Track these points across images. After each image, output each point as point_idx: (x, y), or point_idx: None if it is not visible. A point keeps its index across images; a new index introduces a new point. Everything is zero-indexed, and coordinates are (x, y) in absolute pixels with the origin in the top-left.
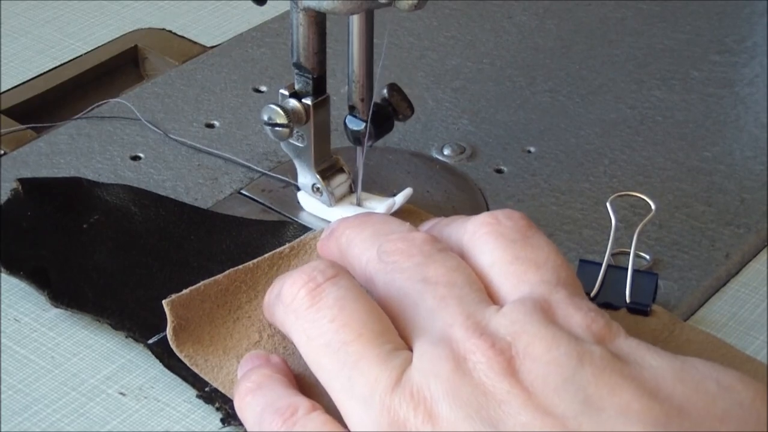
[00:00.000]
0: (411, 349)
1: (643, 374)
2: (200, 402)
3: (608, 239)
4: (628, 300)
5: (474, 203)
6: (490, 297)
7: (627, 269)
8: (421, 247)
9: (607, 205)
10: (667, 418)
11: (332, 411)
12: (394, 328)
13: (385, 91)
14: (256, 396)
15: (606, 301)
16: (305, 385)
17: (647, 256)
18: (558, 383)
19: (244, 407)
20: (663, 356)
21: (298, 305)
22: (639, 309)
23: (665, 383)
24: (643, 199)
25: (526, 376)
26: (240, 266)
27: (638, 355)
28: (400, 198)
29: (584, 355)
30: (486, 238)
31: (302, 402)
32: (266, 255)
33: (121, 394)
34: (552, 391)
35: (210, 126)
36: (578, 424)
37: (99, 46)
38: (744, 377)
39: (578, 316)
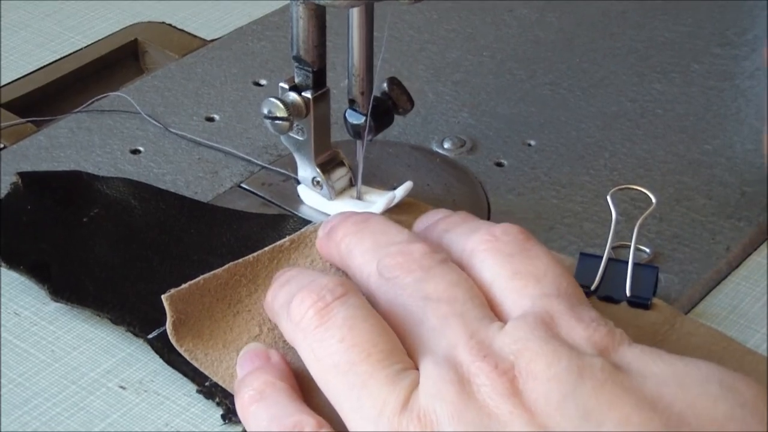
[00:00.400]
0: (418, 368)
1: (645, 384)
2: (200, 396)
3: (609, 232)
4: (628, 293)
5: (474, 196)
6: (494, 312)
7: (627, 262)
8: (421, 261)
9: (608, 198)
10: (666, 429)
11: (333, 415)
12: (402, 347)
13: (385, 84)
14: (260, 408)
15: (606, 295)
16: (305, 381)
17: (647, 250)
18: (559, 400)
19: (248, 417)
20: (666, 361)
21: (306, 324)
22: (639, 302)
23: (667, 391)
24: (644, 193)
25: (528, 396)
26: (240, 260)
27: (641, 363)
28: (401, 191)
29: (584, 369)
30: (484, 255)
31: (308, 420)
32: (266, 248)
33: (121, 387)
34: (553, 409)
35: (210, 119)
36: None
37: (99, 40)
38: (747, 378)
39: (580, 327)
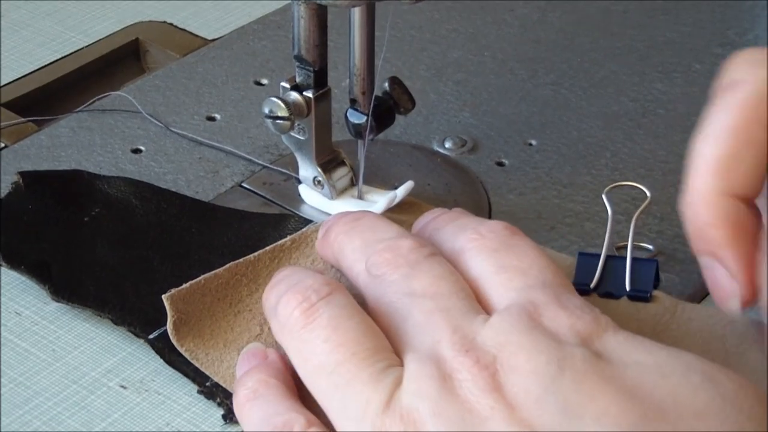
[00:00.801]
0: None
1: (626, 373)
2: (201, 396)
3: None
4: (628, 288)
5: (475, 196)
6: (482, 307)
7: (626, 258)
8: (407, 256)
9: (603, 196)
10: (644, 420)
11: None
12: (388, 344)
13: (386, 84)
14: (254, 407)
15: (607, 291)
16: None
17: (651, 247)
18: (539, 394)
19: (242, 416)
20: (649, 349)
21: (292, 325)
22: (640, 296)
23: (648, 379)
24: (643, 192)
25: (509, 390)
26: (241, 259)
27: (623, 351)
28: (402, 191)
29: (565, 360)
30: (471, 254)
31: (298, 418)
32: (267, 248)
33: (122, 387)
34: (533, 403)
35: (211, 119)
36: None
37: (100, 39)
38: (730, 372)
39: (564, 315)
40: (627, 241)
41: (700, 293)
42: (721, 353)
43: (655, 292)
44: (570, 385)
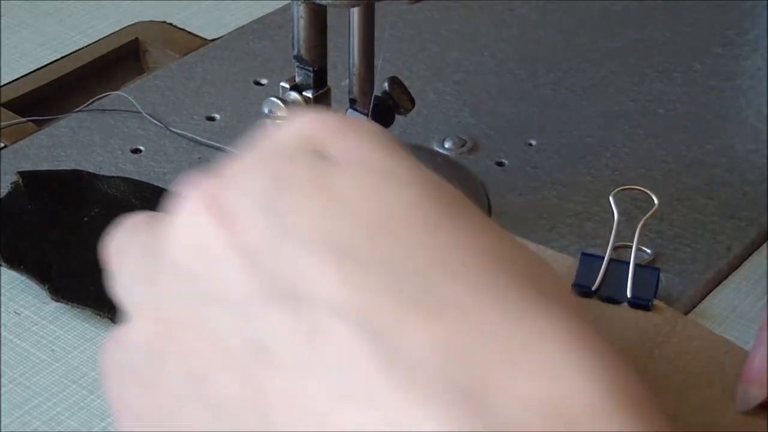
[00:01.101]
0: None
1: (352, 181)
2: None
3: (610, 232)
4: (629, 294)
5: (475, 196)
6: None
7: (629, 263)
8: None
9: (610, 199)
10: (358, 231)
11: None
12: None
13: (386, 84)
14: None
15: (608, 296)
16: None
17: (648, 251)
18: (254, 213)
19: None
20: (393, 156)
21: None
22: (641, 304)
23: (374, 186)
24: (645, 192)
25: (230, 212)
26: None
27: (361, 156)
28: None
29: (286, 173)
30: None
31: None
32: None
33: None
34: (249, 223)
35: (211, 119)
36: (268, 260)
37: (100, 39)
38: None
39: (308, 120)
40: (625, 241)
41: (700, 293)
42: (719, 377)
43: (656, 302)
44: (286, 199)
